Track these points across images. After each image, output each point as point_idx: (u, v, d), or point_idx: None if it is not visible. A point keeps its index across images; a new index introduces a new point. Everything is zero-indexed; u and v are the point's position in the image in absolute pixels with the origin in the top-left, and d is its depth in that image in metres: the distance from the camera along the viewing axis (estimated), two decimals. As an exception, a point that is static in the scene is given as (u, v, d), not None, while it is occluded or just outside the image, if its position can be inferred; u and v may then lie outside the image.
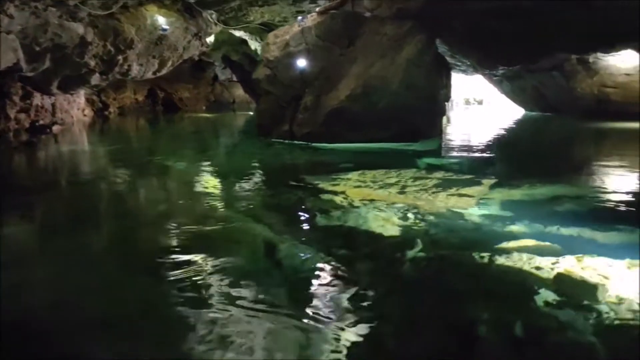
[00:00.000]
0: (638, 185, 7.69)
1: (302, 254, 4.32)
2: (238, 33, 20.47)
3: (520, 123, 20.88)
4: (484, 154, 11.35)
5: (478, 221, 5.23)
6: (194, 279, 3.73)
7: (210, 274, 3.85)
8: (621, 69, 18.04)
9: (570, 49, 14.73)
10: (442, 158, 10.30)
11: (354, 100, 10.77)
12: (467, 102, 33.95)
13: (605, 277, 3.60)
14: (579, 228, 4.75)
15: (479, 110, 30.90)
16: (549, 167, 9.33)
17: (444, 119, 22.72)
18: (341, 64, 11.58)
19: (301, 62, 11.81)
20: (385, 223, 5.26)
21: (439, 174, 7.91)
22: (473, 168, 9.21)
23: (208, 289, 3.54)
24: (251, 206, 6.35)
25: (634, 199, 6.71)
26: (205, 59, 26.69)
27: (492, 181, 7.31)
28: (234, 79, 30.29)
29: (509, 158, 11.40)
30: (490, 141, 14.09)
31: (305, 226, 5.51)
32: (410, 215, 5.49)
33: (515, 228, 4.86)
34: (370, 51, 11.15)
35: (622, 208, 6.16)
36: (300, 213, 6.06)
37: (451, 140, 13.62)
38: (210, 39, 20.87)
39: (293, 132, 11.97)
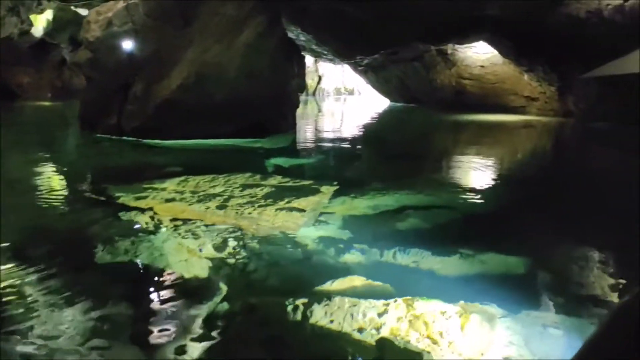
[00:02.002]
0: (487, 190, 7.09)
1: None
2: (85, 12, 18.00)
3: (382, 115, 20.58)
4: (336, 151, 10.42)
5: (310, 247, 4.33)
6: None
7: None
8: (477, 61, 18.33)
9: (425, 39, 14.35)
10: (291, 157, 9.11)
11: (186, 91, 9.28)
12: (339, 92, 33.64)
13: (434, 341, 2.75)
14: (419, 253, 4.08)
15: (349, 100, 30.63)
16: (400, 167, 8.60)
17: (316, 109, 21.71)
18: (176, 48, 9.98)
19: (127, 44, 10.04)
20: (191, 256, 4.02)
21: (274, 180, 6.75)
22: (320, 169, 8.24)
23: None
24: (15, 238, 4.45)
25: (481, 201, 6.08)
26: (49, 40, 23.42)
27: (334, 188, 6.30)
28: (84, 63, 26.97)
29: (360, 156, 10.53)
30: (347, 136, 13.24)
31: (79, 266, 3.94)
32: (228, 241, 4.38)
33: (349, 257, 4.07)
34: (208, 34, 9.69)
35: (468, 221, 5.38)
36: (78, 245, 4.45)
37: (307, 135, 12.61)
38: (46, 17, 18.09)
39: (121, 126, 10.19)
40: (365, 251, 4.16)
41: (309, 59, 31.24)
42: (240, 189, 6.28)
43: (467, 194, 6.50)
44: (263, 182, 6.65)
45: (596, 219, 5.45)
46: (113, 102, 10.32)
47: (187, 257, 4.06)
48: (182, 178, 6.73)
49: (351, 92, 33.90)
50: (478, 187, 7.03)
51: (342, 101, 29.97)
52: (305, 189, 6.28)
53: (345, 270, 3.75)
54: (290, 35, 17.86)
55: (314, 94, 32.64)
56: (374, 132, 14.64)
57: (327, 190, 6.26)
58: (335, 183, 6.51)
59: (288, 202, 5.62)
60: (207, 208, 5.41)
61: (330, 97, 32.47)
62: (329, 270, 3.78)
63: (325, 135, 13.28)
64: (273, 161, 8.46)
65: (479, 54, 18.19)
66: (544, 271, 3.95)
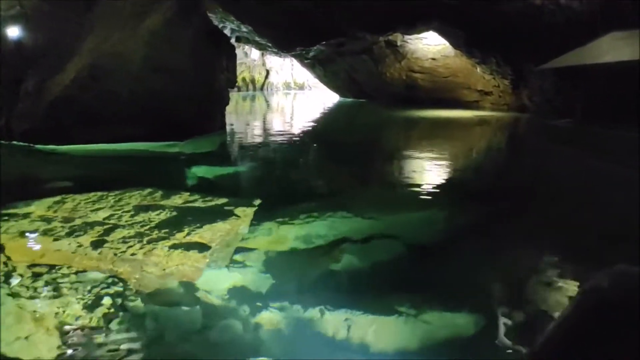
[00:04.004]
0: (436, 206, 5.90)
1: None
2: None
3: (330, 112, 19.17)
4: (272, 155, 9.04)
5: (215, 306, 3.19)
6: None
7: None
8: (428, 54, 17.35)
9: (368, 28, 13.05)
10: (216, 165, 7.62)
11: (82, 86, 7.74)
12: (288, 87, 32.24)
13: None
14: (351, 314, 3.07)
15: (299, 95, 29.30)
16: (342, 175, 7.37)
17: (264, 104, 20.36)
18: (75, 36, 8.42)
19: (14, 32, 8.40)
20: (36, 330, 2.76)
21: (179, 199, 5.39)
22: (247, 180, 6.92)
23: None
24: None
25: (428, 225, 4.89)
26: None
27: (254, 209, 5.02)
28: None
29: (298, 161, 8.96)
30: (288, 136, 11.71)
31: None
32: (97, 301, 3.14)
33: (265, 320, 3.00)
34: (110, 20, 8.15)
35: (412, 256, 4.18)
36: None
37: (242, 136, 11.18)
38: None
39: (11, 128, 8.54)
40: (285, 310, 3.13)
41: (255, 52, 29.78)
42: (132, 213, 4.89)
43: (414, 212, 5.29)
44: (163, 202, 5.29)
45: (560, 242, 4.48)
46: (1, 100, 8.66)
47: (29, 331, 2.74)
48: (58, 198, 5.31)
49: (301, 87, 32.58)
50: (426, 204, 5.77)
51: (292, 96, 28.60)
52: (216, 212, 4.95)
53: (256, 348, 2.72)
54: (231, 25, 16.50)
55: (261, 88, 31.17)
56: (318, 132, 13.17)
57: (245, 213, 4.96)
58: (256, 204, 5.21)
59: (188, 235, 4.29)
60: (79, 246, 4.02)
61: (279, 92, 31.06)
62: (234, 347, 2.73)
63: (264, 135, 11.90)
64: (194, 170, 7.08)
65: (430, 46, 17.23)
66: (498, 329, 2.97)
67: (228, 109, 11.23)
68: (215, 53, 9.51)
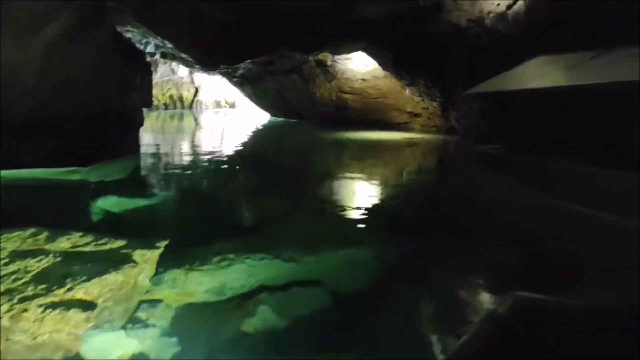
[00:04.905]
0: (364, 242, 5.40)
1: None
2: None
3: (258, 132, 18.48)
4: (189, 183, 8.22)
5: None
6: None
7: None
8: (358, 74, 17.18)
9: (295, 46, 12.59)
10: (125, 195, 6.61)
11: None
12: (218, 105, 31.37)
13: None
14: None
15: (229, 114, 28.50)
16: (263, 206, 6.72)
17: (193, 122, 19.50)
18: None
19: None
20: None
21: (66, 242, 4.51)
22: (157, 214, 6.05)
23: None
24: None
25: (352, 269, 4.34)
26: None
27: (158, 252, 4.32)
28: None
29: (216, 190, 8.00)
30: (210, 159, 10.73)
31: None
32: None
33: None
34: (7, 29, 7.16)
35: (335, 308, 3.61)
36: None
37: (160, 159, 10.26)
38: None
39: None
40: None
41: (183, 69, 28.79)
42: (6, 261, 4.02)
43: (339, 250, 4.74)
44: (48, 246, 4.41)
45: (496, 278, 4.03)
46: None
47: None
48: None
49: (232, 105, 31.80)
50: (353, 239, 5.21)
51: (222, 115, 27.76)
52: (110, 258, 4.16)
53: None
54: (155, 41, 15.58)
55: (190, 106, 30.14)
56: (245, 154, 12.48)
57: (145, 258, 4.21)
58: (161, 245, 4.47)
59: (71, 290, 3.51)
60: None
61: (209, 110, 30.14)
62: None
63: (187, 157, 11.07)
64: (99, 203, 6.20)
65: (360, 67, 17.07)
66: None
67: (152, 127, 10.36)
68: (126, 69, 8.68)
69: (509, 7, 9.56)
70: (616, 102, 6.36)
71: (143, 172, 8.88)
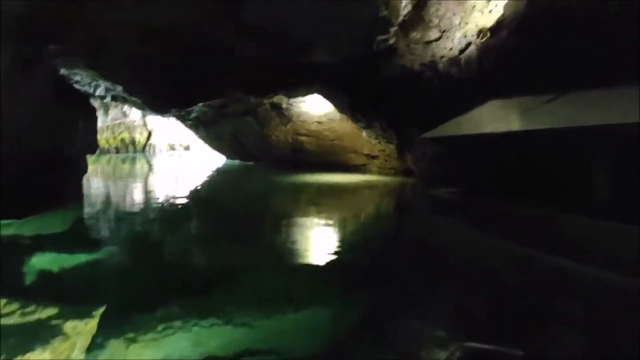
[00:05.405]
0: (313, 303, 5.05)
1: None
2: None
3: (212, 176, 17.98)
4: (134, 235, 7.66)
5: None
6: None
7: None
8: (313, 117, 17.12)
9: (247, 89, 12.33)
10: (65, 251, 6.03)
11: None
12: (172, 148, 30.73)
13: None
14: None
15: (184, 157, 27.88)
16: (213, 262, 6.24)
17: (146, 166, 18.83)
18: None
19: None
20: None
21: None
22: (92, 276, 5.47)
23: None
24: None
25: (301, 333, 3.97)
26: None
27: (95, 321, 3.86)
28: None
29: (162, 243, 7.38)
30: (158, 207, 10.22)
31: None
32: None
33: None
34: None
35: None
36: None
37: (104, 210, 9.55)
38: None
39: None
40: None
41: (136, 112, 28.17)
42: None
43: (294, 312, 4.34)
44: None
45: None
46: None
47: None
48: None
49: (187, 148, 31.22)
50: (308, 297, 4.82)
51: (176, 157, 27.12)
52: (37, 331, 3.69)
53: None
54: (105, 83, 15.08)
55: (143, 150, 29.37)
56: (198, 200, 12.02)
57: (77, 330, 3.75)
58: (98, 313, 4.01)
59: None
60: None
61: (163, 153, 29.44)
62: None
63: (136, 205, 10.48)
64: (33, 261, 5.63)
65: (315, 109, 17.04)
66: None
67: (101, 172, 9.75)
68: (67, 113, 8.20)
69: (462, 51, 9.68)
70: (572, 146, 6.36)
71: (86, 223, 8.24)
